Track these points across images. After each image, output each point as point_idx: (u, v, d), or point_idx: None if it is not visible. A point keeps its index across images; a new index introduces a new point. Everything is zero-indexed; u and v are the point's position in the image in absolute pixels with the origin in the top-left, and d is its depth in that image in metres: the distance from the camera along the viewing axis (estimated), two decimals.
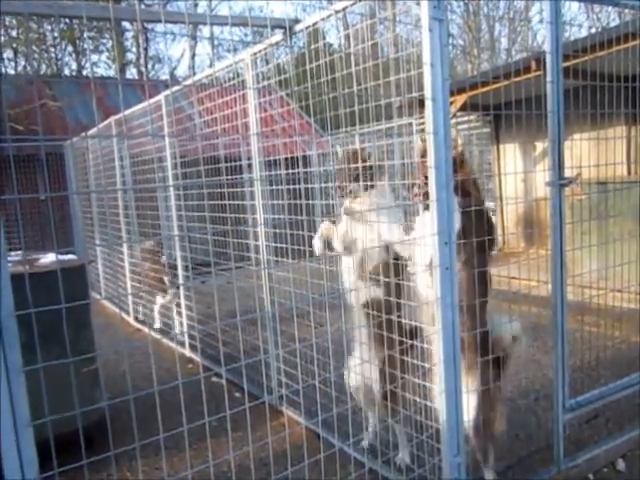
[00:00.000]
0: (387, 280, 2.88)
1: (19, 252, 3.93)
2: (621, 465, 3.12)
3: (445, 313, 2.39)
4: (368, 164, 2.91)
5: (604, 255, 3.53)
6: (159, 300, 6.38)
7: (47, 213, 10.38)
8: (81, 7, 2.08)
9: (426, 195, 2.71)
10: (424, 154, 2.69)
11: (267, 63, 3.89)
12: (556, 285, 2.88)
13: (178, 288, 5.97)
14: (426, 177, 2.68)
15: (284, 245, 3.93)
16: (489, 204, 10.83)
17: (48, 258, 3.63)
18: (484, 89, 6.28)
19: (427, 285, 2.69)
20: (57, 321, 2.12)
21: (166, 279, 6.13)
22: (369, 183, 2.91)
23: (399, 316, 2.81)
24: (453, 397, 2.45)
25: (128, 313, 7.10)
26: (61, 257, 3.76)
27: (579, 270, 3.40)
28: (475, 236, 2.56)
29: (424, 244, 2.54)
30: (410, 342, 2.80)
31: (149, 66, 24.36)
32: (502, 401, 2.96)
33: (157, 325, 6.35)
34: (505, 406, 3.05)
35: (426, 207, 2.75)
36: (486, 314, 2.76)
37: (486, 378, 2.70)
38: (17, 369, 1.51)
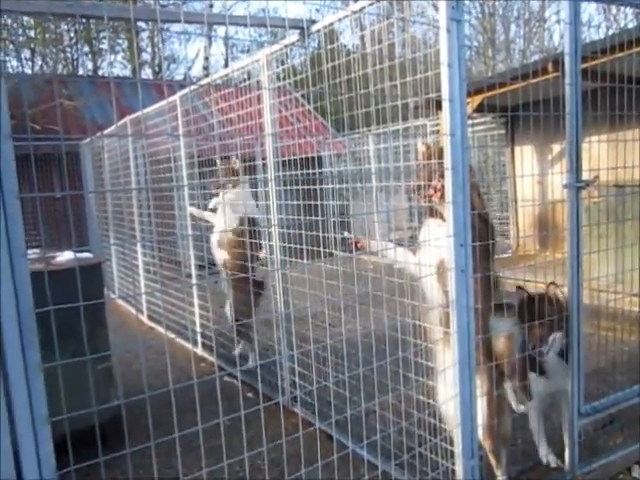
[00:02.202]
0: None
1: (36, 250, 3.97)
2: (637, 471, 3.08)
3: (460, 316, 2.37)
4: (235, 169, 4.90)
5: (621, 259, 3.49)
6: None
7: (63, 212, 10.47)
8: (102, 7, 2.10)
9: (430, 198, 2.71)
10: (430, 157, 2.68)
11: (282, 64, 3.89)
12: (572, 289, 2.85)
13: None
14: (430, 180, 2.67)
15: (297, 245, 3.94)
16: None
17: (65, 256, 3.66)
18: (500, 90, 6.23)
19: (436, 288, 2.68)
20: (73, 319, 2.13)
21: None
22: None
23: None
24: (468, 400, 2.43)
25: (142, 312, 7.15)
26: (78, 255, 3.79)
27: (595, 274, 3.36)
28: (477, 240, 2.50)
29: (434, 247, 2.53)
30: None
31: (164, 66, 24.51)
32: (508, 404, 2.94)
33: None
34: (510, 409, 3.02)
35: (430, 211, 2.74)
36: (489, 320, 2.73)
37: (491, 381, 2.68)
38: (36, 367, 1.52)
